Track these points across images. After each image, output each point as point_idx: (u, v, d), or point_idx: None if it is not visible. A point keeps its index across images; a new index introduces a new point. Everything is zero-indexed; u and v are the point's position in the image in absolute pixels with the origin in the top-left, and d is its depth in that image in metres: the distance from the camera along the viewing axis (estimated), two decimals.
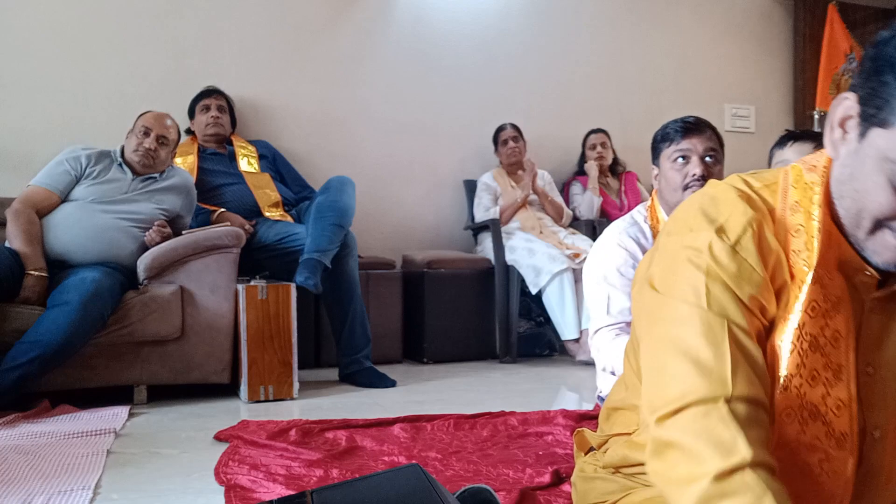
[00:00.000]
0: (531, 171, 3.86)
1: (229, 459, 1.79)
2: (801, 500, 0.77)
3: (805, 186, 0.81)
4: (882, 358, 0.82)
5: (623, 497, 1.00)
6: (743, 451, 0.66)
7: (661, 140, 1.94)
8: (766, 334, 0.78)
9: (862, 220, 0.76)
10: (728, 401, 0.69)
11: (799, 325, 0.77)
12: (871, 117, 0.73)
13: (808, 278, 0.77)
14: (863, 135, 0.74)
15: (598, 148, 4.16)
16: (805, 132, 2.04)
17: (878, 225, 0.74)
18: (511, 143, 3.96)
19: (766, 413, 0.72)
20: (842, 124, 0.78)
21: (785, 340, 0.77)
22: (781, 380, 0.76)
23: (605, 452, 1.08)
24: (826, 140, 0.80)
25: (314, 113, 3.91)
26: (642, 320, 0.85)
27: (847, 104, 0.77)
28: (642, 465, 0.87)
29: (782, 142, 2.04)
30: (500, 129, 4.03)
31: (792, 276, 0.78)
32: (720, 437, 0.68)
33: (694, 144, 1.87)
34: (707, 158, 1.88)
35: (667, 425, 0.72)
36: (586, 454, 1.16)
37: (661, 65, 4.65)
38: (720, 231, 0.78)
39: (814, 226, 0.78)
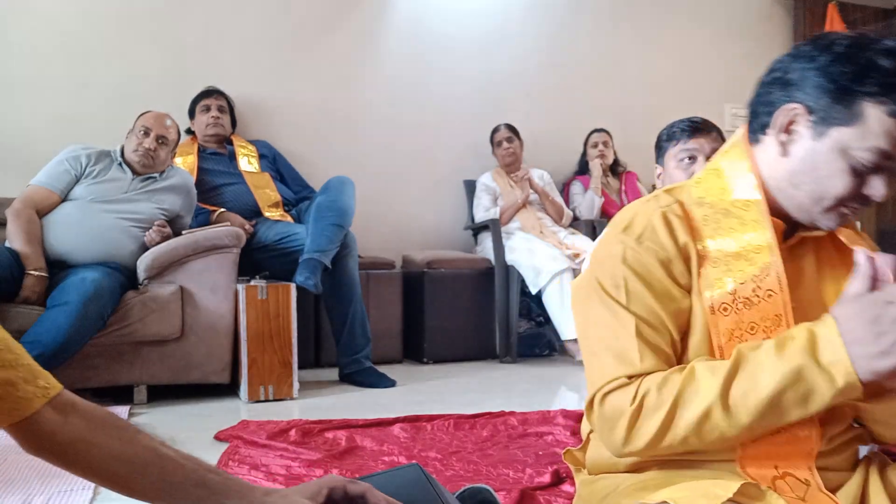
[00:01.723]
0: (523, 180, 3.84)
1: (229, 459, 1.79)
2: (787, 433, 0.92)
3: (721, 189, 0.99)
4: (801, 296, 0.97)
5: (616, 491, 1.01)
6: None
7: (667, 139, 1.92)
8: (689, 292, 0.97)
9: (824, 200, 0.92)
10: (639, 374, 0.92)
11: (732, 292, 0.94)
12: (831, 120, 0.89)
13: (731, 255, 0.95)
14: (822, 134, 0.90)
15: (601, 146, 4.17)
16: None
17: (838, 204, 0.92)
18: (505, 144, 3.96)
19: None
20: (787, 129, 0.93)
21: (716, 302, 0.94)
22: (724, 333, 0.94)
23: (586, 452, 1.13)
24: (772, 142, 0.96)
25: (314, 113, 3.91)
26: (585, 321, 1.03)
27: (792, 113, 0.92)
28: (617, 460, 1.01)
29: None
30: (495, 131, 4.03)
31: (705, 255, 0.96)
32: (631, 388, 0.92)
33: (701, 144, 1.86)
34: None
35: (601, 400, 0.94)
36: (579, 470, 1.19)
37: (661, 65, 4.65)
38: (626, 230, 0.97)
39: (747, 213, 0.96)
